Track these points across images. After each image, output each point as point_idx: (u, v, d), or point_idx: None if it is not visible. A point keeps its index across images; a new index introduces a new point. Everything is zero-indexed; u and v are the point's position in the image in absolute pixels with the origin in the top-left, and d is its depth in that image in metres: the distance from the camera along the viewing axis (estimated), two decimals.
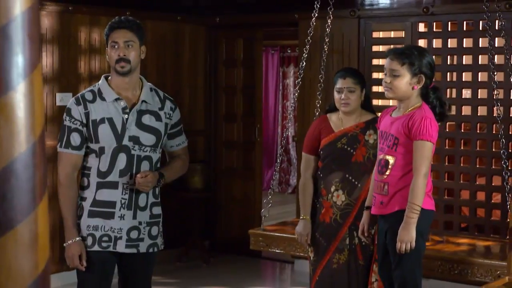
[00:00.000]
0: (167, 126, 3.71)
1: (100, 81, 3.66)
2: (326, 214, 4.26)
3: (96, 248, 3.57)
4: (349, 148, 4.24)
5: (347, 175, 4.22)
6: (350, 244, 4.23)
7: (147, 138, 3.60)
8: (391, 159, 3.69)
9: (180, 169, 3.83)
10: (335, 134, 4.27)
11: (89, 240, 3.57)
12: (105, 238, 3.57)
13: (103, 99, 3.58)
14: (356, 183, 4.22)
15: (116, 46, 3.56)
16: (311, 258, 4.35)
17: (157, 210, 3.71)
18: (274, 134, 11.23)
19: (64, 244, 3.58)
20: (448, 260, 4.75)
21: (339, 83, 4.21)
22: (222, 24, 7.33)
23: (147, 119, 3.61)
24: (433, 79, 3.77)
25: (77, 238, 3.55)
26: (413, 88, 3.65)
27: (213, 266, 7.05)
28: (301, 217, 4.37)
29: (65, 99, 5.98)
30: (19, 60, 1.33)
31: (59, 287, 6.10)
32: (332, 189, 4.24)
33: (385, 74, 3.72)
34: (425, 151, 3.57)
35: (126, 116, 3.57)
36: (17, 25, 1.33)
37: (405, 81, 3.64)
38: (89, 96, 3.59)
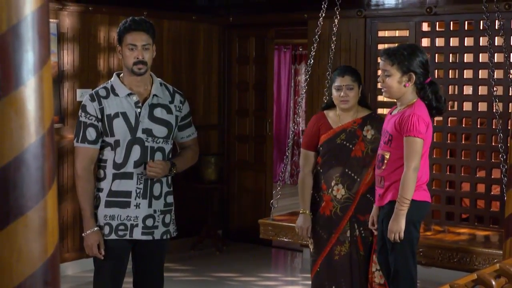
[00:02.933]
0: (178, 118, 3.81)
1: (112, 78, 3.76)
2: (326, 207, 4.31)
3: (113, 236, 3.67)
4: (348, 144, 4.29)
5: (346, 170, 4.27)
6: (351, 236, 4.27)
7: (160, 130, 3.70)
8: (386, 154, 3.80)
9: (190, 159, 3.93)
10: (334, 130, 4.31)
11: (106, 229, 3.67)
12: (122, 227, 3.67)
13: (116, 94, 3.67)
14: (355, 177, 4.26)
15: (134, 49, 3.63)
16: (311, 250, 4.41)
17: (170, 198, 3.82)
18: (286, 129, 11.37)
19: (83, 234, 3.69)
20: (448, 249, 4.87)
21: (338, 81, 4.26)
22: (235, 23, 7.45)
23: (158, 112, 3.71)
24: (428, 75, 3.83)
25: (95, 228, 3.65)
26: (405, 86, 3.75)
27: (226, 254, 7.19)
28: (300, 211, 4.41)
29: (85, 94, 6.07)
30: (29, 57, 1.37)
31: (78, 273, 6.31)
32: (333, 183, 4.28)
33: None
34: (413, 146, 3.65)
35: (138, 110, 3.67)
36: (27, 24, 1.36)
37: (396, 80, 3.74)
38: (102, 93, 3.69)
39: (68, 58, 6.29)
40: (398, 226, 3.68)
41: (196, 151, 3.99)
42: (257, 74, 7.64)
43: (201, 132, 7.48)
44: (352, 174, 4.27)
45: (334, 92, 4.30)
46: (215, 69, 7.66)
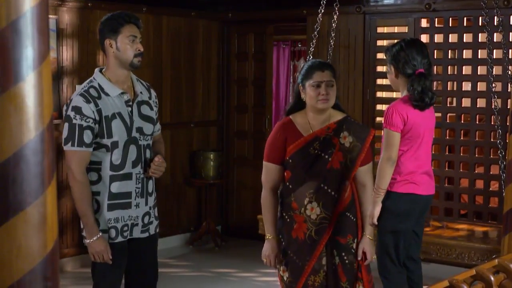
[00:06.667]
0: (156, 113, 3.77)
1: (95, 75, 3.58)
2: (300, 229, 3.66)
3: (119, 239, 3.58)
4: (323, 154, 3.66)
5: (322, 185, 3.64)
6: (329, 264, 3.68)
7: (148, 128, 3.66)
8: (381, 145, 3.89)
9: (163, 152, 3.83)
10: (305, 139, 3.67)
11: (113, 233, 3.57)
12: (125, 228, 3.60)
13: (107, 94, 3.53)
14: (333, 193, 3.64)
15: (134, 40, 3.54)
16: (285, 278, 3.76)
17: (155, 192, 3.78)
18: None
19: (88, 241, 3.52)
20: (447, 245, 4.92)
21: (317, 77, 3.63)
22: (234, 19, 7.48)
23: (145, 110, 3.66)
24: (416, 68, 3.77)
25: (100, 234, 3.52)
26: (392, 77, 3.83)
27: (225, 249, 7.22)
28: (266, 237, 3.76)
29: None
30: (28, 53, 1.37)
31: (77, 269, 6.32)
32: (305, 201, 3.64)
33: None
34: (386, 137, 3.71)
35: (129, 109, 3.59)
36: (27, 20, 1.37)
37: (387, 71, 3.86)
38: (94, 93, 3.51)
39: (67, 54, 6.30)
40: (371, 212, 3.74)
41: (163, 143, 3.93)
42: (256, 70, 7.66)
43: (200, 128, 7.53)
44: (329, 190, 3.65)
45: (311, 91, 3.64)
46: (214, 65, 7.68)
